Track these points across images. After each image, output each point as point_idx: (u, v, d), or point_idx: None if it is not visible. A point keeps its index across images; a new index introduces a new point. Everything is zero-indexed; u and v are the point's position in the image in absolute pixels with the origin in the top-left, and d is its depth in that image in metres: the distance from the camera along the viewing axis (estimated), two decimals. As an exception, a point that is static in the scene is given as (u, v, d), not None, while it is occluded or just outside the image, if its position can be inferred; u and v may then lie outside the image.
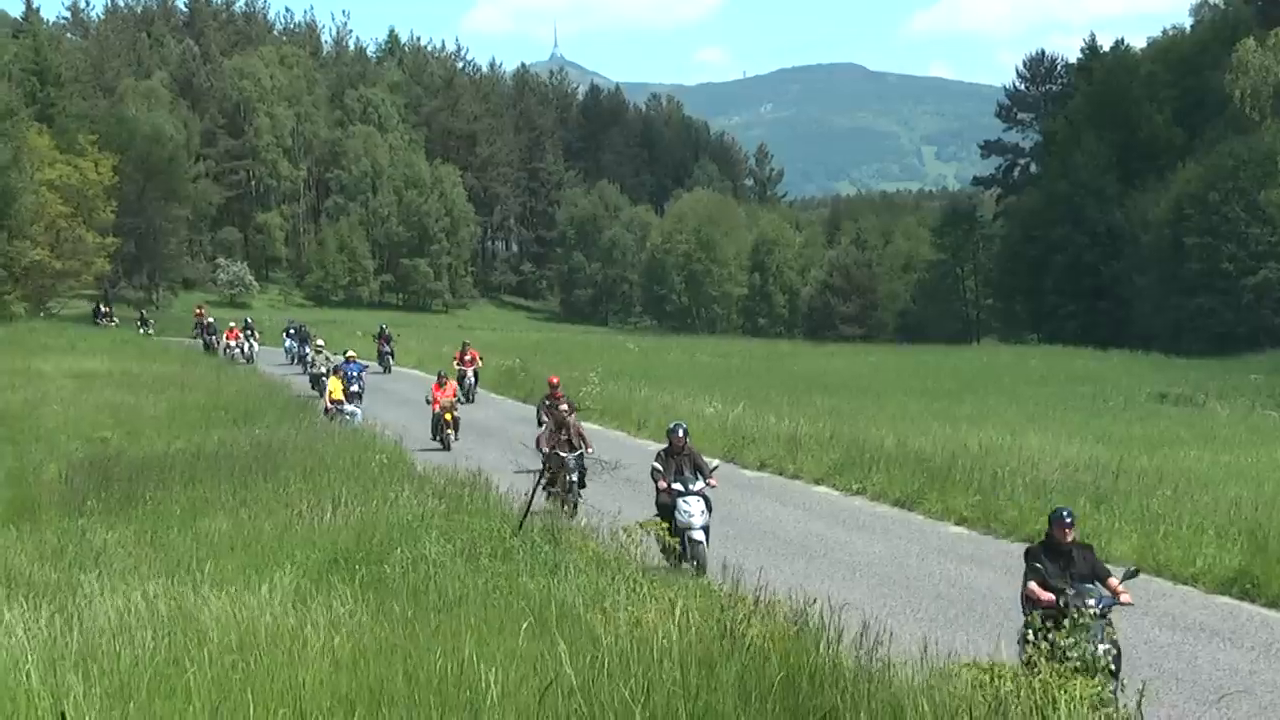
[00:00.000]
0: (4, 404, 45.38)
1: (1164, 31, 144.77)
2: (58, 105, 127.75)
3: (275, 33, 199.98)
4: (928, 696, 11.73)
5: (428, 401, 42.22)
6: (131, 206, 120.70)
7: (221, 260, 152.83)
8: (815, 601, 15.84)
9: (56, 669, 12.45)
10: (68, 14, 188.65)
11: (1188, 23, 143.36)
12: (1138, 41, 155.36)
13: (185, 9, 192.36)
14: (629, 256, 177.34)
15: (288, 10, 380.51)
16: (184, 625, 14.67)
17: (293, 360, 71.29)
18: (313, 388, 56.02)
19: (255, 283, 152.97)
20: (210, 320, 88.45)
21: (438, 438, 41.12)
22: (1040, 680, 12.26)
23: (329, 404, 44.43)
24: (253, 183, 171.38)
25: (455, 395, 43.31)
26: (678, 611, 14.45)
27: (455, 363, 54.97)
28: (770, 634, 13.42)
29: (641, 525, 20.23)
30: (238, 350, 73.91)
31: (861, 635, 13.18)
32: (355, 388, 47.48)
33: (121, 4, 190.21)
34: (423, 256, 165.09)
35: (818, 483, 32.76)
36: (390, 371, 67.65)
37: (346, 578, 18.13)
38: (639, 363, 75.91)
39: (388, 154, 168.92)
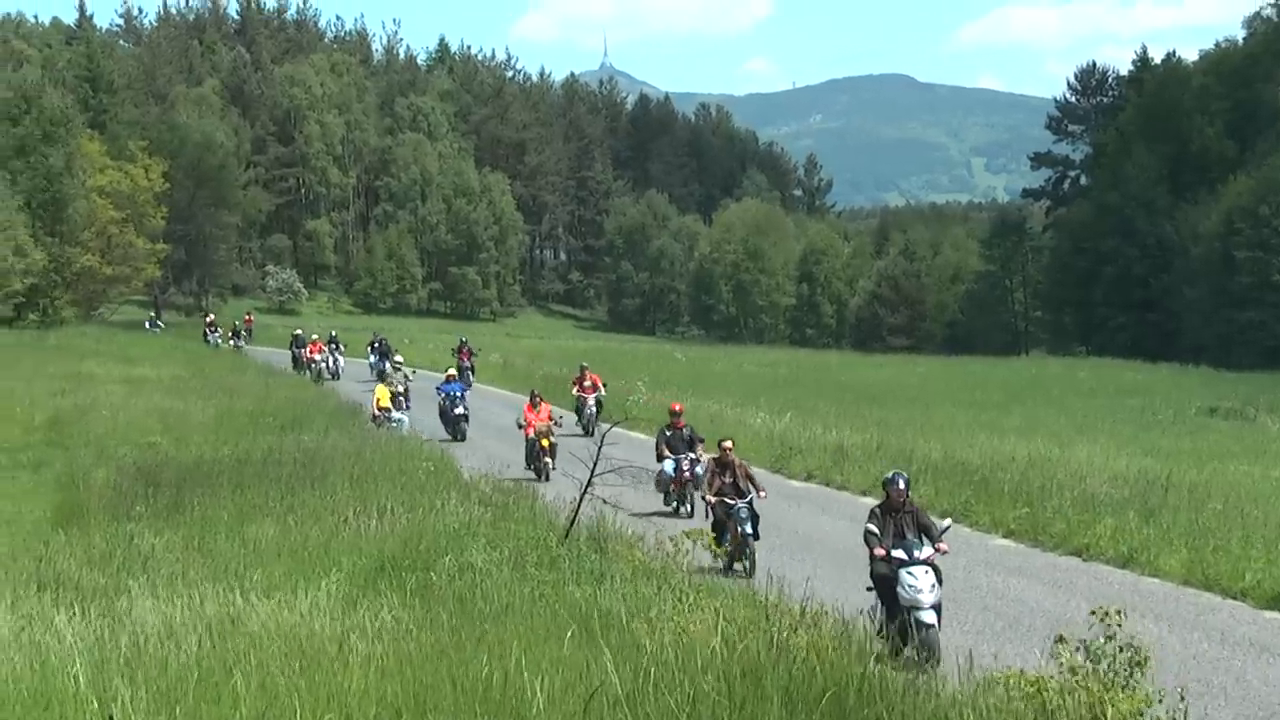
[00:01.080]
0: (55, 409, 45.62)
1: (1216, 44, 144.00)
2: (110, 112, 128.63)
3: (326, 40, 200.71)
4: (974, 709, 11.69)
5: (520, 426, 37.17)
6: (182, 213, 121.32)
7: (270, 267, 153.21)
8: (862, 613, 15.83)
9: (104, 672, 12.51)
10: (120, 21, 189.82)
11: (1240, 35, 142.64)
12: (1189, 54, 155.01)
13: (237, 16, 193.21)
14: (677, 266, 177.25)
15: (338, 18, 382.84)
16: (231, 631, 14.72)
17: (379, 377, 62.69)
18: (528, 465, 50.68)
19: (304, 290, 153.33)
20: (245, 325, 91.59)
21: (532, 466, 36.73)
22: (1087, 691, 12.21)
23: (376, 411, 44.51)
24: (302, 190, 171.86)
25: (551, 418, 37.81)
26: (723, 621, 14.43)
27: (573, 388, 48.98)
28: (816, 645, 13.38)
29: (688, 535, 20.14)
30: (323, 365, 68.14)
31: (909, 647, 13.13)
32: (460, 409, 44.69)
33: (174, 11, 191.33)
34: (471, 265, 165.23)
35: (864, 494, 32.63)
36: (470, 388, 60.76)
37: (393, 585, 18.16)
38: (686, 372, 75.84)
39: (437, 162, 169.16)
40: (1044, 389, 75.40)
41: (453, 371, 49.18)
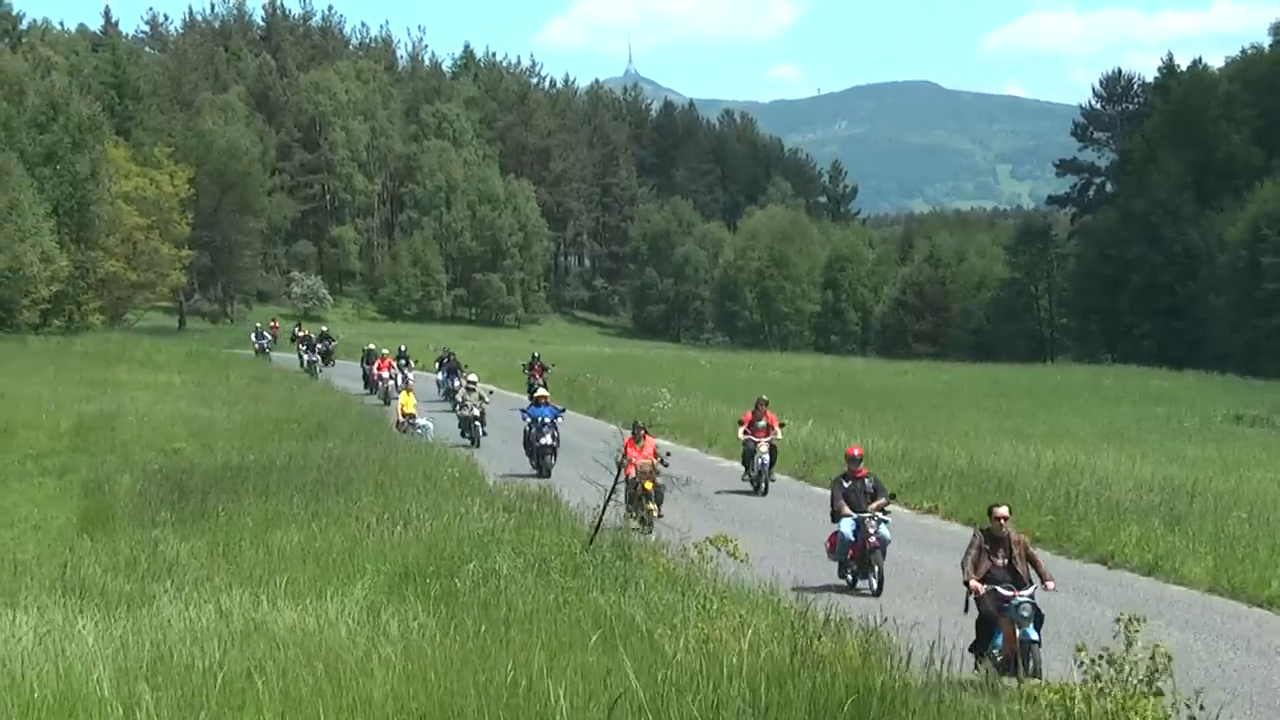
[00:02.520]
0: (80, 415, 45.74)
1: (1242, 51, 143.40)
2: (136, 118, 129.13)
3: (351, 47, 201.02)
4: (998, 716, 11.67)
5: (619, 464, 27.01)
6: (207, 220, 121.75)
7: (296, 274, 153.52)
8: (885, 620, 15.79)
9: (128, 678, 12.54)
10: (146, 28, 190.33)
11: (1266, 42, 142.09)
12: (1216, 61, 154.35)
13: (262, 23, 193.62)
14: (701, 273, 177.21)
15: (364, 25, 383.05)
16: (255, 637, 14.74)
17: (446, 396, 58.13)
18: (462, 434, 45.77)
19: (329, 296, 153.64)
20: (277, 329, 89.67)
21: (635, 513, 28.47)
22: (1112, 700, 12.20)
23: (400, 418, 44.56)
24: (327, 197, 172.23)
25: (656, 455, 30.29)
26: (748, 629, 14.42)
27: (740, 429, 37.47)
28: (840, 653, 13.37)
29: (712, 541, 20.10)
30: (391, 384, 59.41)
31: (934, 655, 13.11)
32: (548, 439, 38.15)
33: (199, 18, 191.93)
34: (495, 271, 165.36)
35: (890, 499, 32.60)
36: (564, 413, 51.78)
37: (418, 592, 18.18)
38: (711, 379, 75.84)
39: (462, 169, 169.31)
40: (1069, 396, 75.25)
41: (545, 393, 41.97)
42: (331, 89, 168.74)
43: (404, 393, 47.85)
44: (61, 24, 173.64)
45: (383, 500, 26.59)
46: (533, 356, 62.87)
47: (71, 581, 19.65)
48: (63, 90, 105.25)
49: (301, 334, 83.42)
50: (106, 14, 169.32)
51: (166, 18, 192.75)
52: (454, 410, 51.93)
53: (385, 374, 61.11)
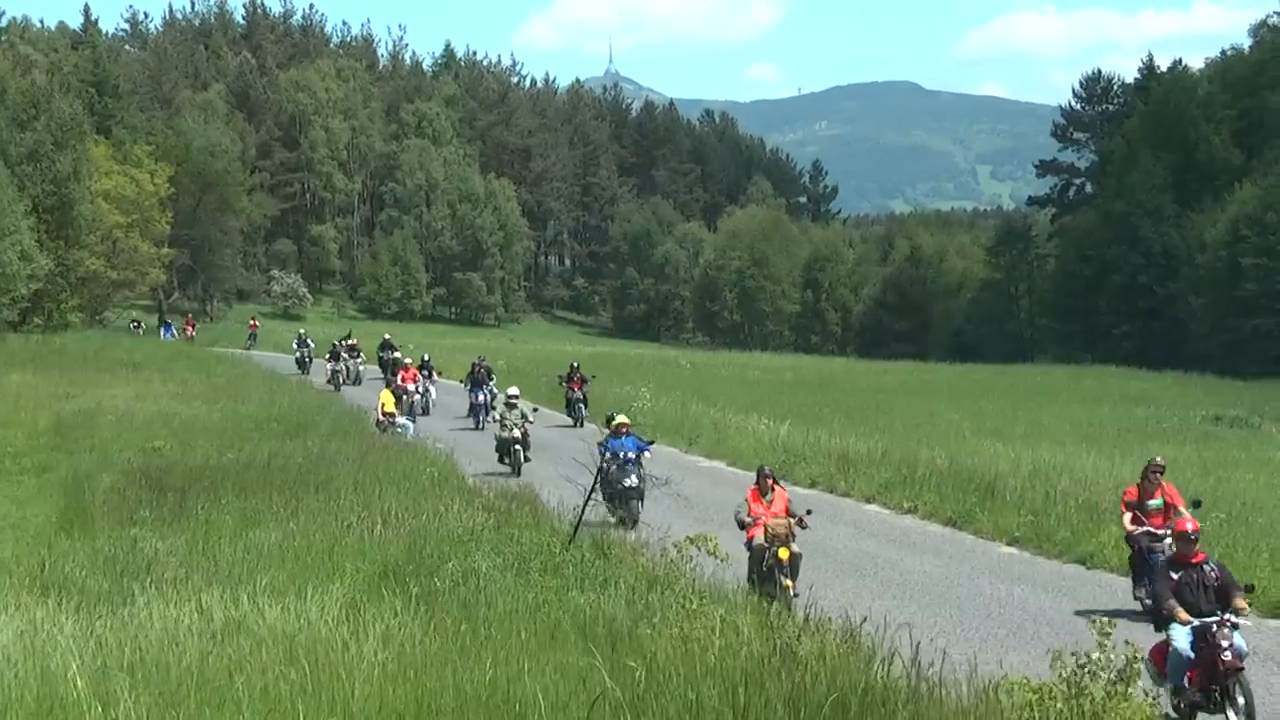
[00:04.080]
0: (59, 414, 45.63)
1: (1222, 52, 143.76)
2: (115, 116, 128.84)
3: (332, 46, 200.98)
4: (978, 717, 11.67)
5: (741, 524, 22.30)
6: (187, 218, 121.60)
7: (276, 272, 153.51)
8: (865, 620, 15.80)
9: (106, 677, 12.51)
10: (126, 26, 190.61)
11: (1246, 43, 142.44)
12: (1196, 62, 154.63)
13: (243, 22, 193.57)
14: (681, 272, 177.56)
15: (345, 24, 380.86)
16: (234, 636, 14.72)
17: (478, 416, 51.08)
18: (501, 460, 38.41)
19: (309, 295, 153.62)
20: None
21: (763, 584, 21.09)
22: (1090, 701, 12.21)
23: (380, 417, 44.35)
24: (307, 195, 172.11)
25: (789, 511, 22.06)
26: (727, 628, 14.42)
27: (1128, 518, 22.81)
28: (821, 652, 13.37)
29: (692, 540, 20.07)
30: (418, 397, 52.90)
31: (913, 655, 13.12)
32: (632, 480, 29.70)
33: (179, 16, 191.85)
34: (476, 270, 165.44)
35: (869, 501, 32.67)
36: (582, 425, 48.74)
37: (397, 590, 18.16)
38: (691, 379, 75.83)
39: (442, 168, 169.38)
40: (1049, 397, 75.28)
41: (624, 420, 32.53)
42: (312, 87, 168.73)
43: (384, 392, 47.38)
44: (41, 22, 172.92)
45: (362, 499, 26.54)
46: (571, 366, 53.86)
47: (50, 580, 19.59)
48: (44, 88, 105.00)
49: (349, 343, 70.88)
50: (86, 11, 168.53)
51: (146, 15, 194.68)
52: (477, 427, 49.44)
53: (411, 386, 51.76)
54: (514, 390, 41.53)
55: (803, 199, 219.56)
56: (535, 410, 42.80)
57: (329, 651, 13.60)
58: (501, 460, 38.18)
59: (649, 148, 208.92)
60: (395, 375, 55.02)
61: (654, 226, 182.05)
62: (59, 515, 28.10)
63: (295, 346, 78.34)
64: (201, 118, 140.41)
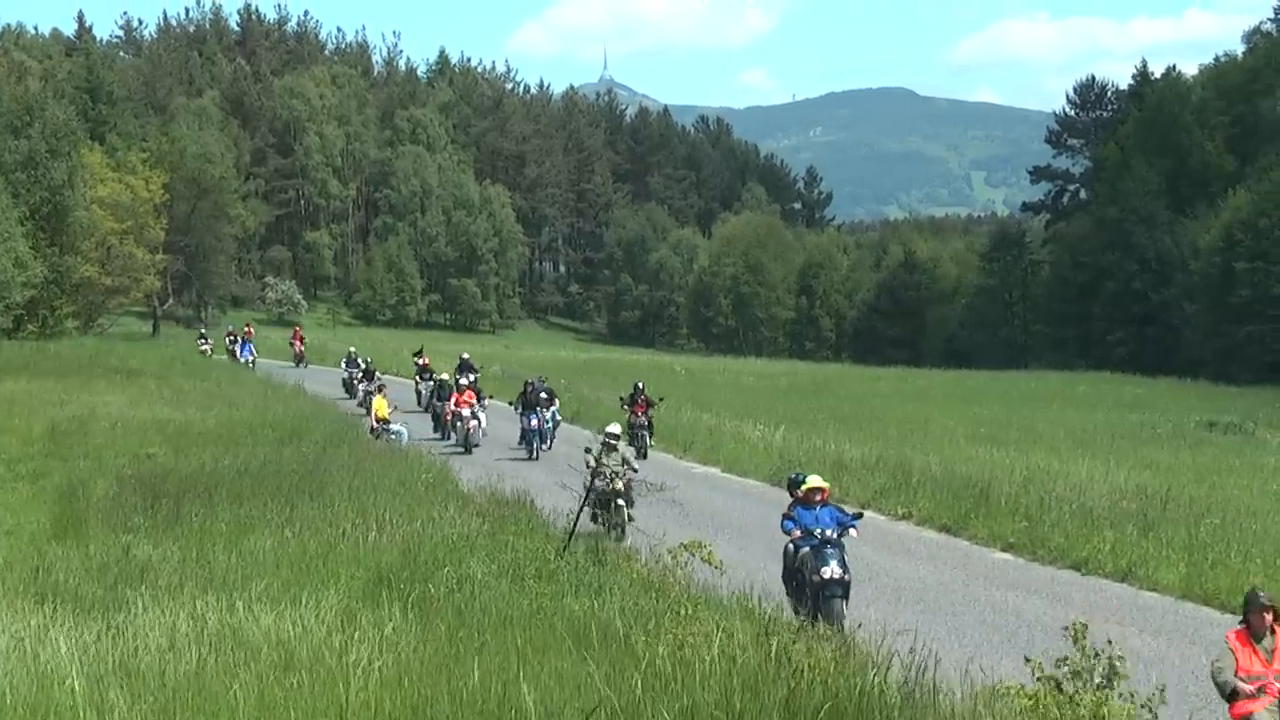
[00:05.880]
0: (53, 420, 45.56)
1: (1216, 58, 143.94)
2: (110, 123, 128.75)
3: (326, 52, 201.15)
4: (973, 724, 11.68)
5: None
6: (181, 225, 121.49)
7: (270, 279, 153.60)
8: (860, 626, 15.82)
9: (101, 684, 12.50)
10: (120, 33, 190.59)
11: (1240, 49, 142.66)
12: (1189, 68, 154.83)
13: (237, 28, 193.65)
14: (676, 279, 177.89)
15: (339, 30, 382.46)
16: (229, 643, 14.71)
17: (531, 444, 43.91)
18: (595, 519, 28.40)
19: (303, 301, 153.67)
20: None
21: None
22: (1085, 706, 12.20)
23: (374, 423, 44.26)
24: (302, 202, 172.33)
25: None
26: (722, 634, 14.42)
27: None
28: (816, 658, 13.36)
29: (686, 547, 20.06)
30: (474, 422, 45.55)
31: (908, 661, 13.13)
32: (834, 569, 19.95)
33: (174, 23, 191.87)
34: (470, 277, 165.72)
35: (863, 507, 32.62)
36: (646, 457, 41.06)
37: (392, 597, 18.16)
38: (685, 385, 75.88)
39: (437, 174, 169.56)
40: (1043, 402, 75.38)
41: (818, 483, 21.73)
42: (306, 94, 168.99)
43: (377, 398, 47.23)
44: (35, 28, 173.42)
45: (357, 505, 26.51)
46: (636, 387, 46.58)
47: (44, 587, 19.57)
48: (38, 95, 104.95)
49: (420, 361, 63.18)
50: (80, 18, 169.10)
51: (141, 22, 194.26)
52: (531, 456, 42.73)
53: (465, 411, 45.69)
54: (614, 428, 31.42)
55: (797, 205, 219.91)
56: (640, 455, 34.35)
57: (324, 658, 13.59)
58: (595, 520, 28.40)
59: (643, 154, 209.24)
60: (438, 396, 51.10)
61: (648, 233, 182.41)
62: (53, 522, 28.03)
63: (343, 366, 67.54)
64: (196, 124, 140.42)
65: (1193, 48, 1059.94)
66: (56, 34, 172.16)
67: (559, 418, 46.41)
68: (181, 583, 19.55)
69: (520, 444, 44.47)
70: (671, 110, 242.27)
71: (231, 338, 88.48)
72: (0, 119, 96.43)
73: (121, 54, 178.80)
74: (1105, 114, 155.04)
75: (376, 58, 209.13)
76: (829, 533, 20.35)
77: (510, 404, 47.99)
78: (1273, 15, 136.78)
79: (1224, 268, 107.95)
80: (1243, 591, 20.82)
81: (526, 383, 46.95)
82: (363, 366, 63.07)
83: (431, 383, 55.23)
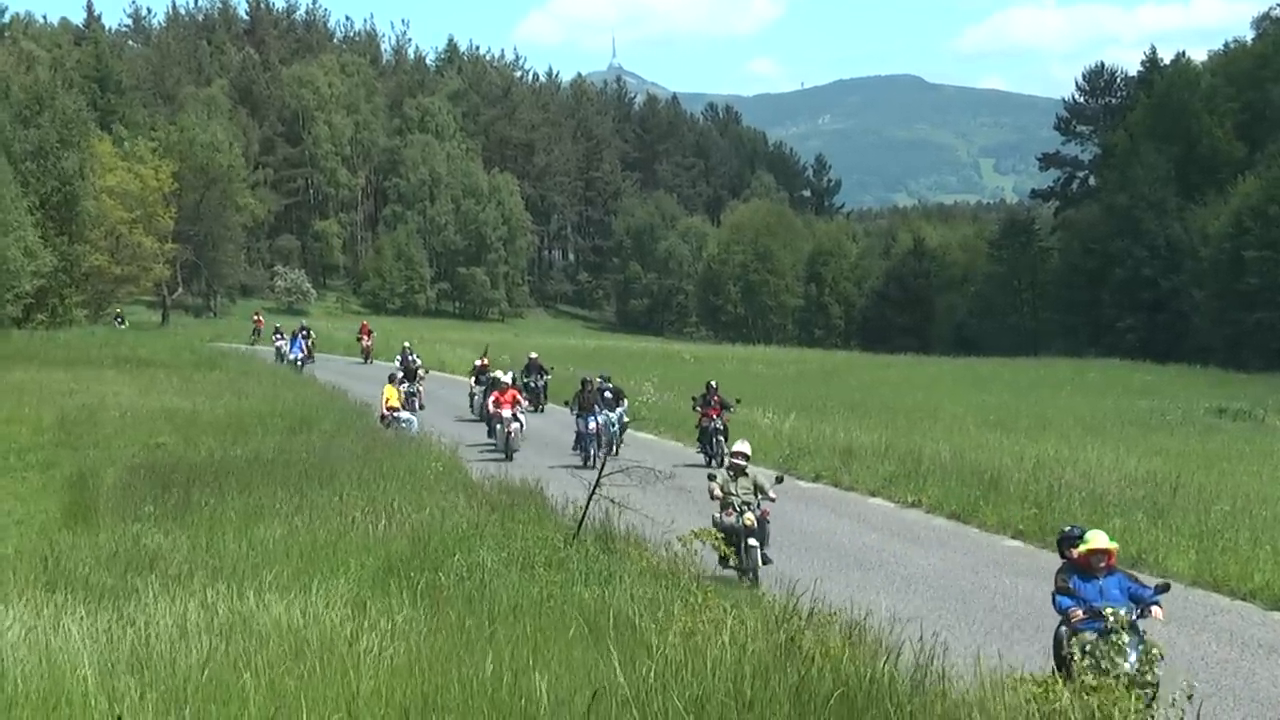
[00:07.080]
0: (63, 409, 45.61)
1: (1225, 44, 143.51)
2: (118, 112, 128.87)
3: (335, 41, 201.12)
4: (982, 710, 11.67)
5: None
6: (190, 214, 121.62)
7: (279, 268, 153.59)
8: (870, 614, 15.81)
9: (113, 673, 12.51)
10: (129, 21, 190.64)
11: (1249, 35, 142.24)
12: (1198, 54, 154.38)
13: (246, 17, 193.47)
14: (685, 267, 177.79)
15: (348, 19, 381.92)
16: (240, 631, 14.72)
17: (587, 451, 38.70)
18: (724, 561, 21.85)
19: (312, 290, 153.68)
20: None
21: None
22: (1095, 693, 12.18)
23: (384, 411, 44.26)
24: (311, 190, 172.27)
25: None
26: (732, 622, 14.42)
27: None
28: (826, 646, 13.37)
29: (696, 534, 20.03)
30: (515, 425, 40.29)
31: (918, 649, 13.13)
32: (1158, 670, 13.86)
33: (183, 12, 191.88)
34: (479, 265, 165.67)
35: (873, 494, 32.63)
36: (723, 464, 32.08)
37: (402, 585, 18.17)
38: (694, 373, 75.72)
39: (445, 163, 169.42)
40: (1052, 390, 75.23)
41: (1102, 543, 15.69)
42: (315, 83, 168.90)
43: (388, 386, 47.13)
44: (44, 18, 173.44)
45: (366, 494, 26.53)
46: (708, 386, 40.41)
47: (55, 576, 19.59)
48: (47, 85, 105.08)
49: (480, 362, 54.17)
50: (89, 7, 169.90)
51: (149, 11, 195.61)
52: (586, 464, 36.72)
53: (505, 412, 40.44)
54: (743, 446, 25.30)
55: (806, 193, 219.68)
56: (780, 480, 25.05)
57: (334, 647, 13.60)
58: (724, 563, 21.94)
59: (652, 142, 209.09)
60: (482, 391, 47.73)
61: (657, 221, 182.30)
62: (63, 511, 28.08)
63: (398, 363, 58.36)
64: (205, 113, 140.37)
65: (1201, 34, 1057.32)
66: (65, 23, 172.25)
67: (625, 419, 41.14)
68: (192, 571, 19.58)
69: (575, 450, 39.39)
70: (680, 98, 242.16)
71: (279, 335, 78.94)
72: (10, 109, 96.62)
73: (130, 43, 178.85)
74: (1114, 101, 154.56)
75: (385, 46, 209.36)
76: (1122, 614, 14.38)
77: (565, 404, 41.67)
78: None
79: (1233, 254, 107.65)
80: (1253, 578, 20.91)
81: (583, 380, 42.04)
82: (412, 364, 55.29)
83: (484, 385, 48.25)
